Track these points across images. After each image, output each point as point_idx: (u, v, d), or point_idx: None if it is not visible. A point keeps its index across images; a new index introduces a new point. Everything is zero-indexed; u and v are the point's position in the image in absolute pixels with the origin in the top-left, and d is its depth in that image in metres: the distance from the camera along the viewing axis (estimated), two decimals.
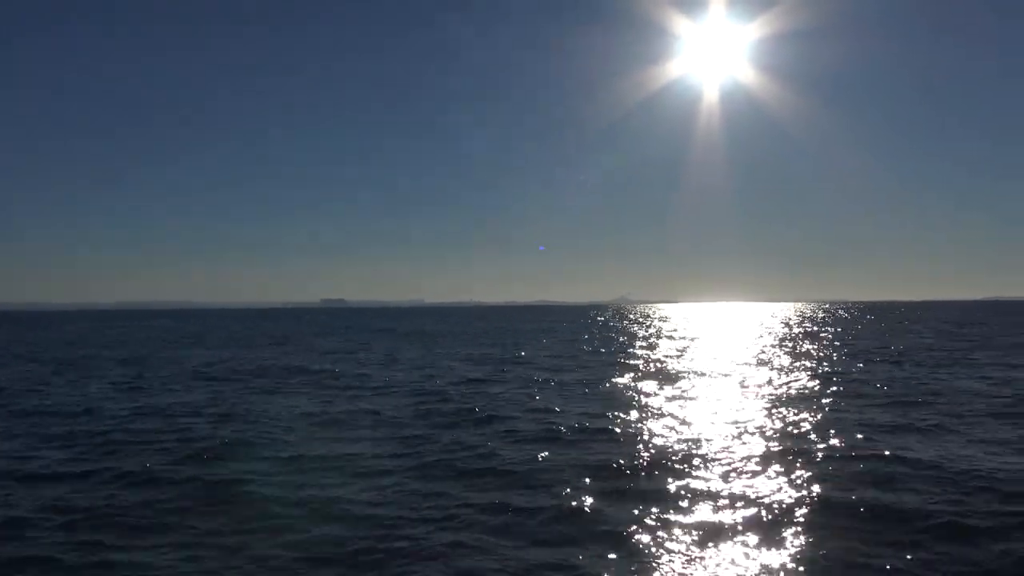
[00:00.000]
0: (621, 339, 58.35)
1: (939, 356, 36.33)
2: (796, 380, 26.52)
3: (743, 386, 24.93)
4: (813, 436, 15.81)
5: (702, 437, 15.78)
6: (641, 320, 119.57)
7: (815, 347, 45.00)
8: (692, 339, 56.97)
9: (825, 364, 33.06)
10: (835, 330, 68.95)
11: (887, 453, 13.96)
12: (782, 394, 22.75)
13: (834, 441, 15.20)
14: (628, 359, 37.78)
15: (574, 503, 11.13)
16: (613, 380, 27.60)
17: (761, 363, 34.13)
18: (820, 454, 13.98)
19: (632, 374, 29.83)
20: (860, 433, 16.07)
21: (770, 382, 26.00)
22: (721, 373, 29.62)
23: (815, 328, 74.54)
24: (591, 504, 11.08)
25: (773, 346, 46.54)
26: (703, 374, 29.29)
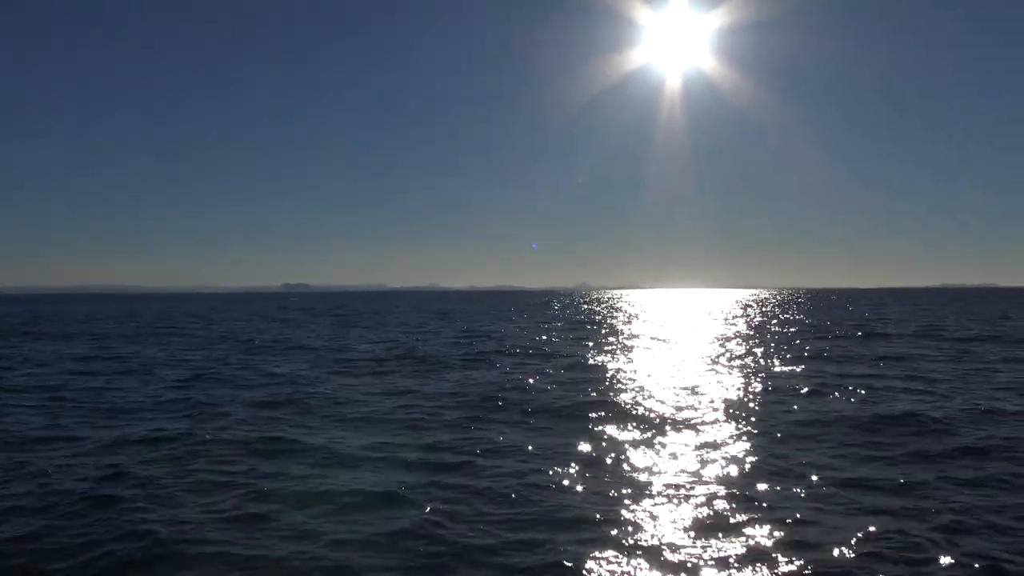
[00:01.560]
0: (579, 318, 60.38)
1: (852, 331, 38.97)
2: (738, 353, 28.71)
3: (678, 355, 27.07)
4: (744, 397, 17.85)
5: (645, 397, 17.71)
6: (603, 303, 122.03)
7: (756, 327, 47.46)
8: (645, 320, 59.28)
9: (760, 340, 35.38)
10: (778, 312, 71.88)
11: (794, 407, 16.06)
12: (720, 362, 24.90)
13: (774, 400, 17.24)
14: (593, 336, 39.73)
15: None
16: (584, 354, 29.57)
17: (704, 338, 36.34)
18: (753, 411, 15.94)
19: (596, 349, 31.75)
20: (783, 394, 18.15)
21: (712, 352, 28.19)
22: (663, 344, 31.73)
23: (764, 311, 77.48)
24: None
25: (716, 325, 48.96)
26: (649, 347, 31.36)
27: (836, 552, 7.86)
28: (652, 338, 38.32)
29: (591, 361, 26.70)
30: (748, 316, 65.70)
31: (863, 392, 18.38)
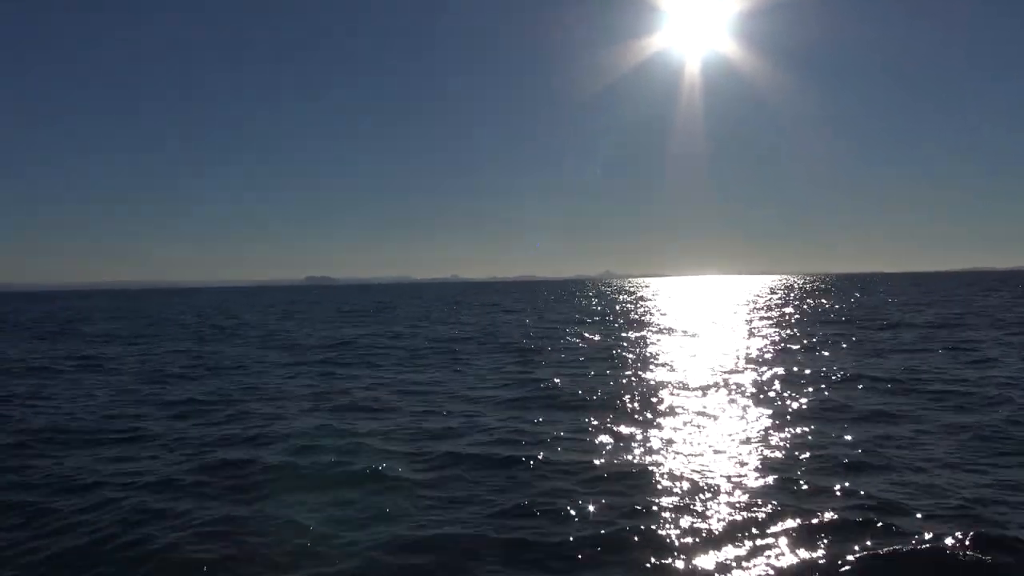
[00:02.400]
0: (594, 307, 60.86)
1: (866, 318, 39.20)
2: (759, 340, 29.22)
3: (684, 345, 27.64)
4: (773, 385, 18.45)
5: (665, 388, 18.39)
6: (623, 292, 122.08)
7: (770, 317, 47.78)
8: (659, 310, 59.77)
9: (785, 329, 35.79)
10: (797, 300, 71.86)
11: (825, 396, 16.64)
12: (746, 351, 25.48)
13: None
14: (599, 329, 40.34)
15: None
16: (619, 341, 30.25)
17: (713, 329, 36.83)
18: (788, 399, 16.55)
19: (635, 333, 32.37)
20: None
21: (719, 343, 28.74)
22: (668, 336, 32.29)
23: (788, 298, 77.40)
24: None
25: (729, 315, 49.37)
26: (655, 339, 31.93)
27: (802, 531, 8.53)
28: (659, 330, 38.78)
29: (595, 351, 27.30)
30: (767, 304, 65.77)
31: (851, 383, 18.90)
